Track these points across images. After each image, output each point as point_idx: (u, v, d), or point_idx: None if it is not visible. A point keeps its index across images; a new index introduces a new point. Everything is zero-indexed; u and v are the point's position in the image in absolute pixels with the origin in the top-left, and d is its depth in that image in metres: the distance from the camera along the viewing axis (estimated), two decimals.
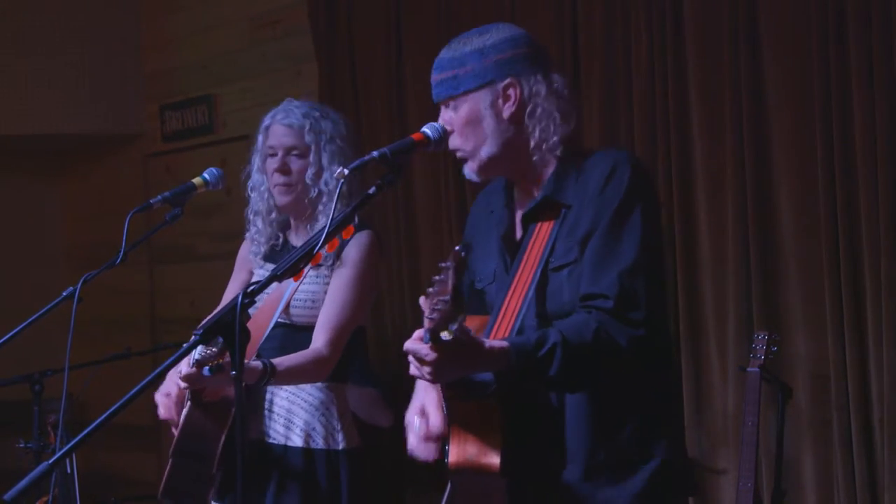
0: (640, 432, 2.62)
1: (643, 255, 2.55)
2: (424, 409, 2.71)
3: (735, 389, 4.25)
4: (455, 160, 5.01)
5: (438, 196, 5.18)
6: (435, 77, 2.72)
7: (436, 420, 2.69)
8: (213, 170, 3.54)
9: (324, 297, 3.43)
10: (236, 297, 2.38)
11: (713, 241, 4.33)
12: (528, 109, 2.62)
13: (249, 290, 2.43)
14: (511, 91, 2.63)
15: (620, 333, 2.50)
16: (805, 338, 4.13)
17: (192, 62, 6.39)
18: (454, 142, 2.69)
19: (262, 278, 3.31)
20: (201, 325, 2.43)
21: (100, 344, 5.81)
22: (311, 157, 3.50)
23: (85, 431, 2.23)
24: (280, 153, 3.52)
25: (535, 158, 2.65)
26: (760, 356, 3.99)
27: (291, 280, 3.29)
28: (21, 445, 5.01)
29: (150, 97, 6.63)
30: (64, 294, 3.40)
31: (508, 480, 2.51)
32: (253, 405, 3.46)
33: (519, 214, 2.74)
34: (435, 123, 2.71)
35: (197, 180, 3.51)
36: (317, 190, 3.50)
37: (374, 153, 2.60)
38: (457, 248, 2.37)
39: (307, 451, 3.43)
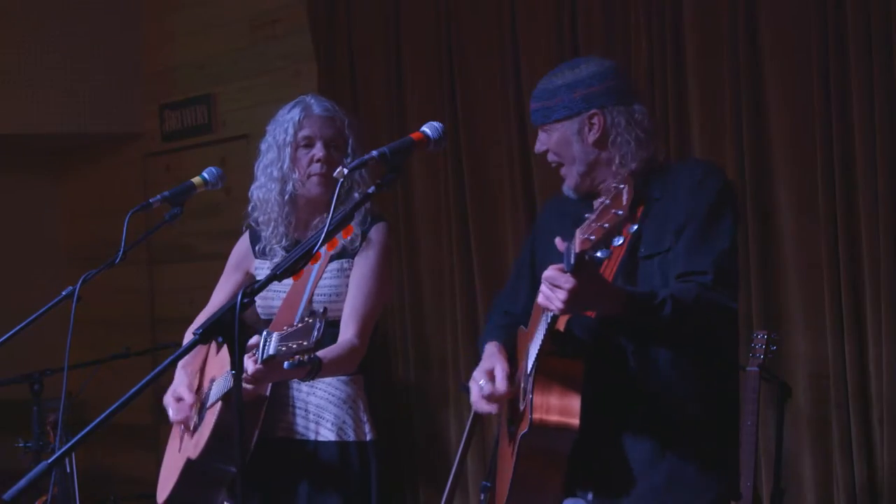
0: (702, 418, 2.86)
1: (731, 249, 2.83)
2: (493, 373, 2.91)
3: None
4: (454, 159, 5.09)
5: (438, 195, 5.19)
6: (532, 105, 2.99)
7: (501, 385, 2.89)
8: (213, 169, 3.53)
9: (346, 288, 3.44)
10: (235, 296, 2.38)
11: None
12: (611, 138, 2.90)
13: (249, 290, 2.42)
14: (595, 120, 2.91)
15: (720, 297, 2.76)
16: (804, 337, 4.14)
17: (192, 62, 6.40)
18: (551, 157, 2.98)
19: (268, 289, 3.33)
20: (199, 325, 2.43)
21: (99, 343, 5.81)
22: (349, 151, 3.48)
23: (84, 431, 2.23)
24: (320, 143, 3.45)
25: (621, 175, 2.85)
26: (759, 355, 3.99)
27: (312, 274, 3.38)
28: (20, 445, 5.01)
29: (150, 97, 6.63)
30: (63, 293, 3.40)
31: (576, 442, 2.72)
32: (279, 403, 3.47)
33: None
34: (434, 123, 2.71)
35: (196, 180, 3.51)
36: (349, 182, 3.42)
37: (374, 153, 2.61)
38: (586, 207, 2.57)
39: (341, 444, 3.46)
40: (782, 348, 4.12)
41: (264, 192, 3.54)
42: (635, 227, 2.47)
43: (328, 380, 3.46)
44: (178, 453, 3.57)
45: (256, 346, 3.06)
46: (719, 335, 2.87)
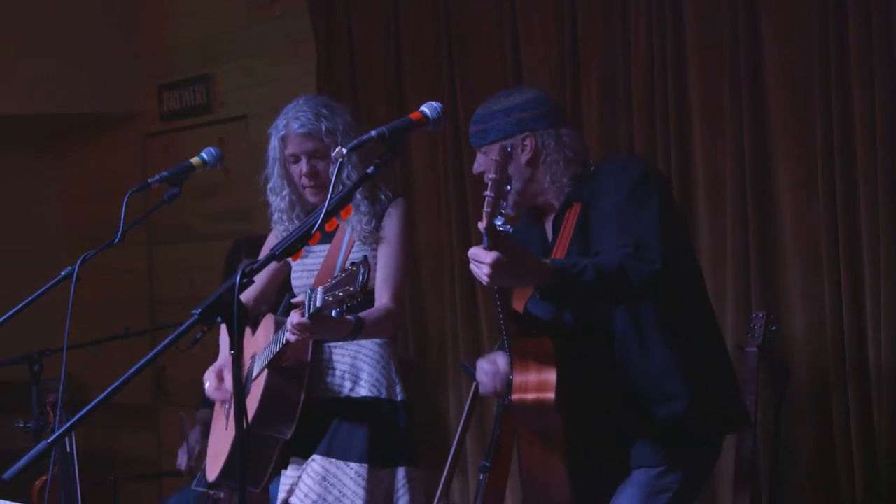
0: (685, 371, 3.13)
1: (659, 218, 3.02)
2: (494, 359, 3.19)
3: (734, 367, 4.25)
4: (453, 139, 5.08)
5: (437, 176, 5.19)
6: (472, 128, 3.29)
7: (502, 361, 3.17)
8: (212, 149, 3.54)
9: (373, 261, 3.60)
10: (234, 276, 2.38)
11: (712, 222, 4.33)
12: (542, 157, 3.19)
13: (248, 269, 2.43)
14: (528, 142, 3.20)
15: (640, 265, 2.95)
16: (803, 317, 4.14)
17: (191, 42, 6.38)
18: (488, 178, 3.09)
19: (300, 271, 3.67)
20: (197, 305, 2.43)
21: (98, 324, 5.81)
22: (333, 156, 3.54)
23: (83, 411, 2.23)
24: (304, 159, 3.63)
25: (554, 189, 3.23)
26: (759, 336, 3.99)
27: (342, 248, 3.60)
28: (20, 425, 5.02)
29: (148, 77, 6.62)
30: (62, 274, 3.40)
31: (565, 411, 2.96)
32: (317, 366, 3.62)
33: (550, 224, 3.25)
34: (433, 102, 2.71)
35: (195, 160, 3.52)
36: (341, 186, 3.56)
37: (373, 133, 2.62)
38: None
39: (374, 400, 3.62)
40: (781, 328, 4.12)
41: (273, 198, 3.75)
42: (508, 186, 2.79)
43: (363, 342, 3.64)
44: (225, 431, 3.73)
45: (302, 303, 3.20)
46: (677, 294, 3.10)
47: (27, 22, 6.37)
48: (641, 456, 3.12)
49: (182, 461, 5.18)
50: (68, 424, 2.25)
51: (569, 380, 2.99)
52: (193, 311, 2.38)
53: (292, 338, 3.31)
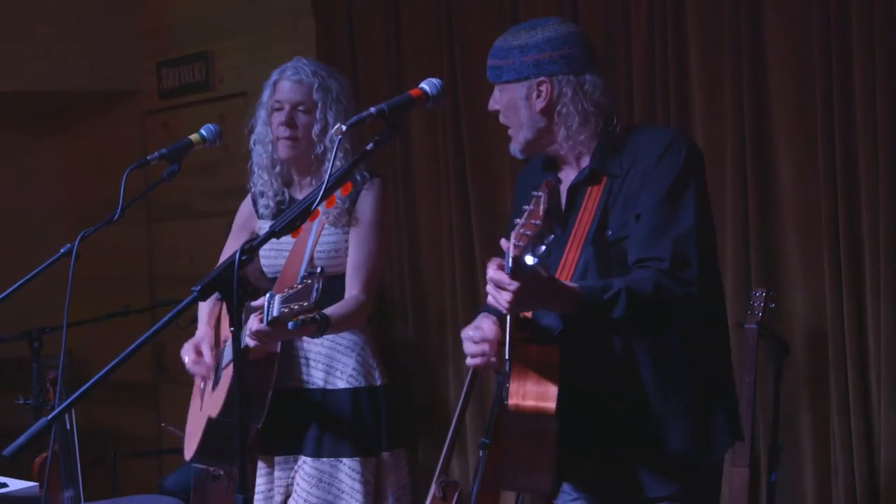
0: (693, 389, 2.85)
1: (696, 226, 2.76)
2: (480, 325, 2.90)
3: (733, 346, 4.23)
4: (453, 117, 5.08)
5: (436, 152, 5.18)
6: (489, 61, 2.94)
7: (489, 331, 2.88)
8: (211, 126, 3.54)
9: (345, 244, 3.52)
10: (234, 253, 2.38)
11: (711, 198, 4.31)
12: (557, 108, 2.87)
13: (247, 246, 2.42)
14: (543, 88, 2.87)
15: (677, 288, 2.71)
16: (803, 294, 4.14)
17: (189, 18, 6.36)
18: (502, 119, 2.96)
19: (269, 249, 3.49)
20: (197, 283, 2.43)
21: (98, 301, 5.82)
22: (318, 114, 3.56)
23: (83, 388, 2.23)
24: (287, 107, 3.57)
25: (568, 145, 2.90)
26: (758, 313, 4.00)
27: (312, 232, 3.48)
28: (20, 402, 5.03)
29: (147, 54, 6.60)
30: (62, 251, 3.40)
31: (560, 425, 2.68)
32: (289, 355, 3.57)
33: (565, 187, 2.93)
34: (433, 79, 2.70)
35: (194, 137, 3.51)
36: (322, 147, 3.56)
37: (372, 109, 2.60)
38: (548, 178, 2.53)
39: (353, 392, 3.57)
40: (781, 306, 4.13)
41: (255, 153, 3.68)
42: (551, 237, 2.51)
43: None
44: (200, 412, 3.67)
45: (261, 307, 3.16)
46: (703, 301, 2.81)
47: (26, 0, 6.35)
48: (654, 486, 2.84)
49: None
50: (68, 401, 2.25)
51: (573, 394, 2.73)
52: (193, 289, 2.37)
53: (251, 343, 3.26)
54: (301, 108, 3.56)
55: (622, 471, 2.86)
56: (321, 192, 2.49)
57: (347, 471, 3.53)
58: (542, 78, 2.86)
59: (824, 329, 4.06)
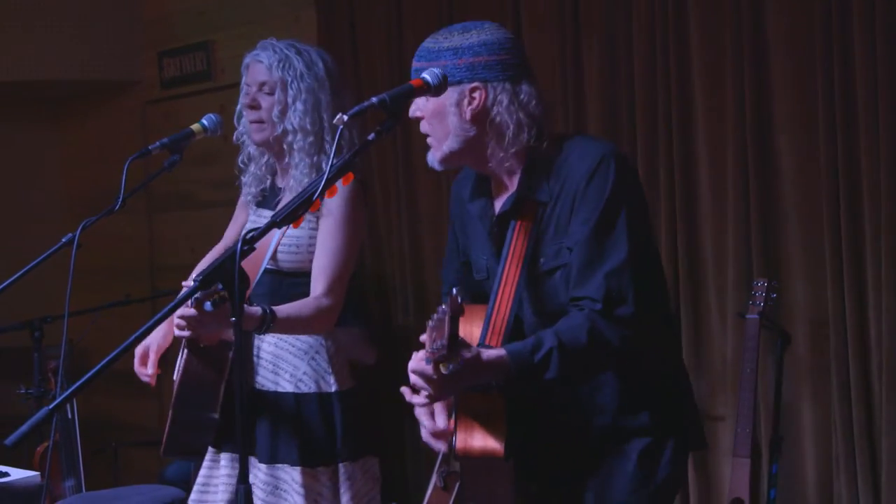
0: (643, 408, 2.75)
1: (629, 255, 2.63)
2: (432, 410, 2.83)
3: (734, 336, 4.26)
4: None
5: None
6: (414, 64, 2.78)
7: (441, 419, 2.84)
8: (212, 116, 3.53)
9: (308, 241, 3.41)
10: (234, 243, 2.38)
11: (713, 189, 4.33)
12: (490, 116, 2.72)
13: (249, 236, 2.42)
14: (476, 94, 2.72)
15: (612, 332, 2.60)
16: (804, 285, 4.14)
17: (190, 8, 6.36)
18: (423, 127, 2.81)
19: (256, 225, 3.28)
20: (198, 271, 2.43)
21: (99, 291, 5.82)
22: (277, 95, 3.43)
23: (84, 378, 2.23)
24: (253, 89, 3.47)
25: (497, 159, 2.75)
26: (760, 303, 3.99)
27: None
28: (22, 391, 5.04)
29: (148, 44, 6.59)
30: (63, 240, 3.40)
31: (514, 460, 2.59)
32: (247, 354, 3.46)
33: (495, 212, 2.82)
34: (435, 69, 2.69)
35: (195, 127, 3.50)
36: (281, 127, 3.42)
37: (373, 99, 2.59)
38: (454, 292, 2.42)
39: (298, 396, 3.43)
40: (782, 296, 4.13)
41: (246, 139, 3.58)
42: (452, 366, 2.40)
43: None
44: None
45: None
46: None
47: None
48: (609, 491, 2.75)
49: None
50: (70, 391, 2.25)
51: (519, 425, 2.63)
52: (195, 279, 2.38)
53: (178, 333, 3.13)
54: (265, 88, 3.44)
55: (568, 494, 2.78)
56: (322, 182, 2.49)
57: (289, 480, 3.40)
58: (476, 83, 2.71)
59: (826, 319, 4.05)
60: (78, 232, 3.36)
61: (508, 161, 2.75)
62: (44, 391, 5.02)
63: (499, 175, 2.80)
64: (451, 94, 2.72)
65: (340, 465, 3.43)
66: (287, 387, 3.44)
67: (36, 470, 3.86)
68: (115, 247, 6.45)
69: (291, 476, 3.40)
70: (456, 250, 3.04)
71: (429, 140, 2.82)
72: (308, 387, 3.43)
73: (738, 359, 4.17)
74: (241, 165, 3.62)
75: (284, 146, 3.45)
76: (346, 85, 3.64)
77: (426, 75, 2.68)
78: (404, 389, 2.68)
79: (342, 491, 3.44)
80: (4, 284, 3.37)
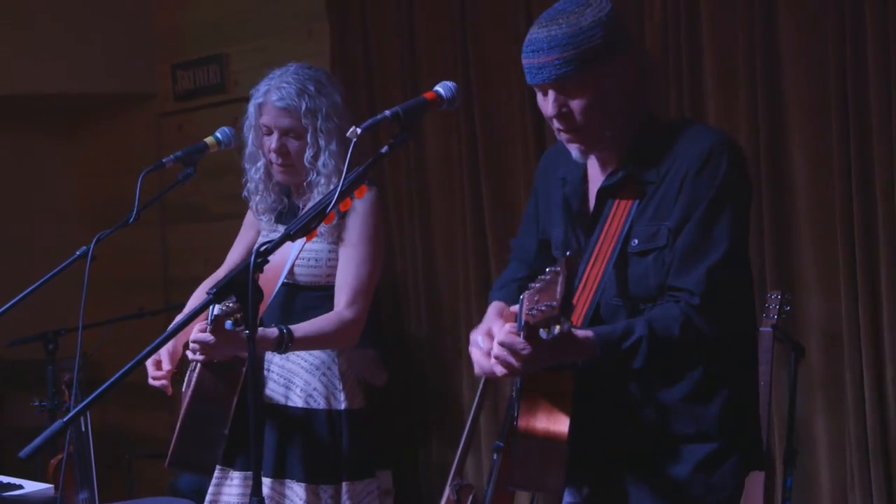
0: (714, 414, 2.63)
1: (732, 252, 2.56)
2: (490, 332, 2.63)
3: None
4: (467, 117, 5.07)
5: (450, 155, 5.18)
6: (540, 58, 2.54)
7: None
8: (226, 129, 3.53)
9: (327, 255, 3.40)
10: (249, 256, 2.38)
11: None
12: (634, 93, 2.60)
13: (262, 249, 2.42)
14: (626, 69, 2.58)
15: (706, 330, 2.52)
16: (818, 297, 4.13)
17: (204, 21, 6.38)
18: (569, 122, 2.60)
19: (271, 239, 3.26)
20: (213, 285, 2.43)
21: (113, 303, 5.83)
22: (309, 139, 3.40)
23: (99, 390, 2.24)
24: (276, 133, 3.42)
25: (615, 134, 2.61)
26: (773, 315, 3.98)
27: (294, 245, 3.29)
28: (36, 404, 5.04)
29: (162, 57, 6.61)
30: (77, 253, 3.41)
31: (571, 449, 2.50)
32: (257, 365, 3.43)
33: (593, 187, 2.70)
34: (447, 82, 2.69)
35: (209, 140, 3.51)
36: (315, 172, 3.41)
37: (387, 112, 2.59)
38: (568, 253, 2.33)
39: (308, 411, 3.42)
40: (796, 308, 4.12)
41: (249, 166, 3.54)
42: (567, 325, 2.26)
43: None
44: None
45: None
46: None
47: (41, 2, 6.37)
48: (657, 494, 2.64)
49: None
50: (84, 403, 2.25)
51: (583, 412, 2.53)
52: (208, 291, 2.38)
53: (191, 357, 3.12)
54: (291, 134, 3.41)
55: (618, 494, 2.66)
56: (336, 195, 2.49)
57: (293, 496, 3.38)
58: (628, 54, 2.55)
59: (840, 331, 4.04)
60: (92, 245, 3.37)
61: (621, 137, 2.61)
62: (58, 403, 5.03)
63: (605, 152, 2.65)
64: (607, 73, 2.54)
65: (344, 483, 3.42)
66: (298, 401, 3.43)
67: (50, 482, 3.87)
68: (130, 259, 6.47)
69: (295, 492, 3.39)
70: (535, 221, 2.92)
71: (574, 137, 2.61)
72: (318, 403, 3.42)
73: None
74: (251, 189, 3.57)
75: (313, 186, 3.43)
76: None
77: (439, 88, 2.67)
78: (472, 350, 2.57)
79: None
80: (19, 297, 3.38)
